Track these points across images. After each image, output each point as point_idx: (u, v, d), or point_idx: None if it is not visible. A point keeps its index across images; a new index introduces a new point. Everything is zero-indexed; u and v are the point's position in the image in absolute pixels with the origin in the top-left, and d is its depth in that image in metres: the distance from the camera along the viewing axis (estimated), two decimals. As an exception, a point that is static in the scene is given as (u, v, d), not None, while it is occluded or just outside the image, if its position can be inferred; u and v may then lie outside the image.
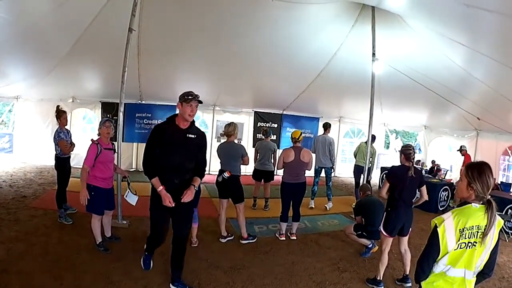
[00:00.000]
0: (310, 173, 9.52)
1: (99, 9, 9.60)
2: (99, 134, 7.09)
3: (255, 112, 17.33)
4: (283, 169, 8.62)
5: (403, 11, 9.43)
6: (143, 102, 15.80)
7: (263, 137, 12.02)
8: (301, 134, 8.66)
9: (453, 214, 3.17)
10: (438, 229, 3.16)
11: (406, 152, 6.49)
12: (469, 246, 3.15)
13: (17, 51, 10.55)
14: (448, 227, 3.13)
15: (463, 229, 3.11)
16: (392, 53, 10.91)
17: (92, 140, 6.92)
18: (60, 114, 8.69)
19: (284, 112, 17.72)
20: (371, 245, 8.05)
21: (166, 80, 13.97)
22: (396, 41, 10.78)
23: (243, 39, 11.17)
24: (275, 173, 11.22)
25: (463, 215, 3.14)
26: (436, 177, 14.02)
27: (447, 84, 10.99)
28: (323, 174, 11.75)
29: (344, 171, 19.22)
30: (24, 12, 8.65)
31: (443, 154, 19.66)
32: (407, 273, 6.69)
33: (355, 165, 12.43)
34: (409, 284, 6.58)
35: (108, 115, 14.79)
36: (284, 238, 8.68)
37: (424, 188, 6.64)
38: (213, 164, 15.69)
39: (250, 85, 14.86)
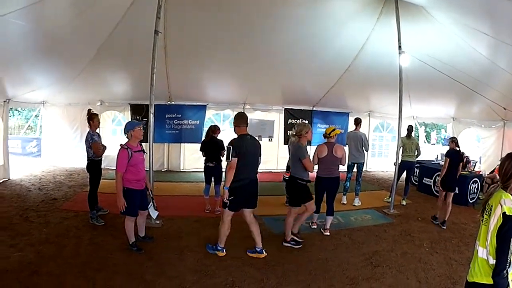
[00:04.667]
0: (343, 168, 9.38)
1: (123, 13, 9.62)
2: (128, 137, 6.98)
3: (285, 109, 17.12)
4: (317, 164, 8.53)
5: (426, 2, 9.29)
6: (173, 103, 15.78)
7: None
8: (333, 130, 8.60)
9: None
10: None
11: (455, 140, 10.10)
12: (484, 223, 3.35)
13: (41, 58, 10.50)
14: None
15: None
16: (418, 45, 10.69)
17: (121, 145, 6.83)
18: (93, 117, 8.67)
19: (314, 108, 17.53)
20: None
21: (194, 80, 13.97)
22: (421, 33, 10.59)
23: (269, 36, 11.09)
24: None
25: None
26: (466, 169, 13.74)
27: (473, 75, 10.74)
28: (355, 169, 11.60)
29: (374, 165, 19.05)
30: (45, 19, 8.62)
31: (472, 145, 19.40)
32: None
33: (401, 161, 11.76)
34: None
35: (138, 117, 14.88)
36: (315, 226, 8.90)
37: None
38: None
39: (279, 82, 14.65)
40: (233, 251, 7.23)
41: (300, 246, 7.70)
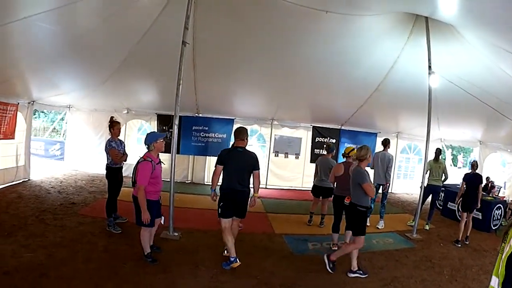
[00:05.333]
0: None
1: (151, 22, 9.63)
2: (150, 148, 6.88)
3: (314, 127, 16.84)
4: (334, 183, 8.84)
5: (456, 21, 9.06)
6: (200, 115, 15.78)
7: (324, 152, 11.54)
8: (352, 150, 8.81)
9: None
10: None
11: (473, 163, 10.72)
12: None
13: (66, 62, 10.53)
14: None
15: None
16: (447, 65, 10.44)
17: (144, 158, 6.72)
18: (114, 125, 8.69)
19: (342, 127, 17.21)
20: None
21: (222, 93, 13.94)
22: (450, 53, 10.34)
23: (299, 53, 10.94)
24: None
25: None
26: (490, 195, 13.42)
27: (502, 98, 10.49)
28: (380, 190, 11.36)
29: (399, 187, 18.64)
30: (72, 23, 8.66)
31: (497, 170, 19.10)
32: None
33: (427, 184, 11.49)
34: None
35: (164, 127, 15.01)
36: (336, 248, 8.56)
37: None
38: (270, 179, 16.12)
39: (308, 99, 14.51)
40: (249, 270, 7.10)
41: (367, 275, 7.43)
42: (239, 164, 7.17)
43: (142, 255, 6.99)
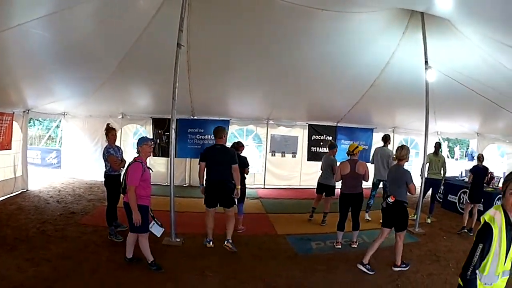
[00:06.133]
0: (367, 184, 9.43)
1: (145, 25, 9.58)
2: (139, 152, 6.87)
3: (309, 125, 16.82)
4: (341, 181, 8.78)
5: (452, 16, 9.04)
6: (195, 117, 15.70)
7: (327, 150, 11.86)
8: (356, 147, 8.77)
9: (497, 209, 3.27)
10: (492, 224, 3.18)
11: (479, 156, 11.13)
12: None
13: (61, 69, 10.43)
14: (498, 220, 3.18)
15: None
16: (444, 59, 10.47)
17: (135, 159, 6.72)
18: (109, 131, 8.61)
19: (339, 124, 17.18)
20: None
21: (217, 95, 13.92)
22: (447, 47, 10.38)
23: (294, 51, 10.94)
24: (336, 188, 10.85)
25: None
26: (490, 186, 13.46)
27: (499, 90, 10.53)
28: (381, 186, 11.36)
29: None
30: (65, 29, 8.55)
31: (496, 160, 19.14)
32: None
33: (427, 178, 11.49)
34: None
35: (160, 131, 15.01)
36: (340, 246, 8.78)
37: None
38: (268, 178, 16.19)
39: (303, 97, 14.49)
40: (255, 272, 7.10)
41: (374, 272, 7.47)
42: (217, 160, 8.14)
43: (147, 264, 6.92)
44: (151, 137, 14.97)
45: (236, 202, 8.43)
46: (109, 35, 9.41)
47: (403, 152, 7.72)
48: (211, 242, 8.31)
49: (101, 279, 6.39)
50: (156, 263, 6.91)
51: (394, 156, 8.24)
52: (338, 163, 9.78)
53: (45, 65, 9.82)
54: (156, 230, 7.13)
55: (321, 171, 11.19)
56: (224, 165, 8.11)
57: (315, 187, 11.38)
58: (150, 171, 6.98)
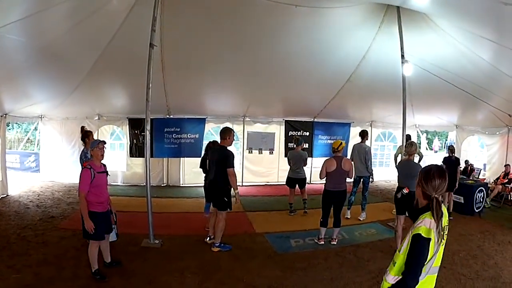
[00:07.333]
0: (350, 180, 9.53)
1: (118, 26, 9.54)
2: (91, 156, 6.78)
3: (286, 121, 16.94)
4: (325, 178, 8.85)
5: (428, 10, 9.12)
6: (171, 116, 15.64)
7: (294, 145, 12.11)
8: (340, 144, 8.85)
9: (429, 217, 3.20)
10: (426, 236, 3.11)
11: (450, 147, 12.19)
12: (442, 243, 3.25)
13: (37, 72, 10.39)
14: (434, 231, 3.14)
15: (443, 228, 3.23)
16: (421, 53, 10.54)
17: (84, 165, 6.65)
18: (88, 134, 8.59)
19: (315, 120, 17.37)
20: None
21: (193, 93, 13.88)
22: (424, 41, 10.51)
23: (270, 48, 11.01)
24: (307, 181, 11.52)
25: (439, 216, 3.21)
26: (471, 178, 13.61)
27: (477, 82, 10.68)
28: (361, 183, 11.48)
29: (377, 175, 18.33)
30: (39, 33, 8.52)
31: (476, 152, 19.35)
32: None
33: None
34: None
35: (136, 131, 14.96)
36: (323, 242, 8.88)
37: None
38: (245, 176, 16.18)
39: (280, 94, 14.56)
40: (235, 272, 7.11)
41: None
42: (213, 160, 8.37)
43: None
44: (128, 137, 15.18)
45: (230, 206, 8.30)
46: (82, 37, 9.35)
47: (412, 148, 8.65)
48: (208, 238, 8.61)
49: (84, 284, 6.36)
50: (99, 272, 6.71)
51: (405, 152, 8.94)
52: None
53: (20, 68, 9.74)
54: (112, 236, 7.17)
55: (291, 166, 11.60)
56: (216, 166, 8.15)
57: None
58: (107, 175, 6.90)
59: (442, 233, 3.16)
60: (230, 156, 8.07)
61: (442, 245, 3.22)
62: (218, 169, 8.09)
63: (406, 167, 8.32)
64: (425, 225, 3.11)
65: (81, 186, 6.32)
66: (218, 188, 8.13)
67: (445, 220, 3.26)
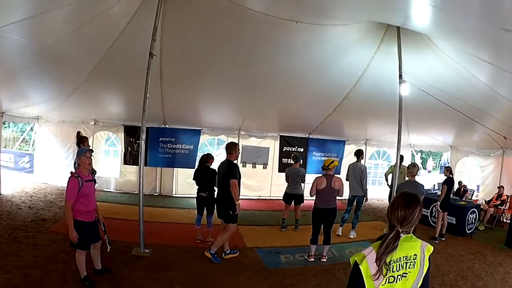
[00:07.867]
0: (341, 198, 9.57)
1: (118, 33, 9.56)
2: (78, 165, 6.65)
3: (281, 136, 16.88)
4: (315, 195, 8.92)
5: (428, 31, 9.19)
6: (167, 126, 15.60)
7: (292, 162, 12.02)
8: (332, 162, 8.93)
9: (375, 248, 2.92)
10: (360, 266, 2.87)
11: (450, 169, 12.13)
12: (399, 279, 2.94)
13: (35, 74, 10.45)
14: (371, 262, 2.86)
15: (389, 262, 2.87)
16: (419, 73, 10.50)
17: (71, 173, 6.49)
18: (83, 140, 8.59)
19: (310, 136, 17.30)
20: None
21: (189, 104, 13.91)
22: (422, 61, 10.50)
23: (268, 63, 11.02)
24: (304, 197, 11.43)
25: None
26: (463, 199, 13.66)
27: (474, 104, 10.77)
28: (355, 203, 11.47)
29: (370, 194, 18.43)
30: (40, 34, 8.55)
31: (471, 173, 19.40)
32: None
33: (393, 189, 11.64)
34: None
35: (131, 139, 14.96)
36: (313, 259, 8.84)
37: None
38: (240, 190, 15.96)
39: (276, 109, 14.63)
40: (223, 287, 7.11)
41: None
42: (219, 174, 8.55)
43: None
44: (123, 144, 15.19)
45: (235, 219, 8.49)
46: (82, 41, 9.36)
47: (415, 169, 9.60)
48: (232, 251, 8.80)
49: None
50: (88, 278, 6.69)
51: (408, 173, 9.86)
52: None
53: (19, 69, 9.79)
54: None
55: (288, 182, 11.63)
56: (222, 179, 8.33)
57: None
58: (95, 184, 6.85)
59: (392, 266, 2.89)
60: (233, 168, 8.26)
61: (407, 279, 2.96)
62: (223, 182, 8.23)
63: (409, 187, 8.55)
64: (365, 253, 2.90)
65: (68, 195, 6.24)
66: (223, 201, 8.32)
67: (405, 252, 2.97)
